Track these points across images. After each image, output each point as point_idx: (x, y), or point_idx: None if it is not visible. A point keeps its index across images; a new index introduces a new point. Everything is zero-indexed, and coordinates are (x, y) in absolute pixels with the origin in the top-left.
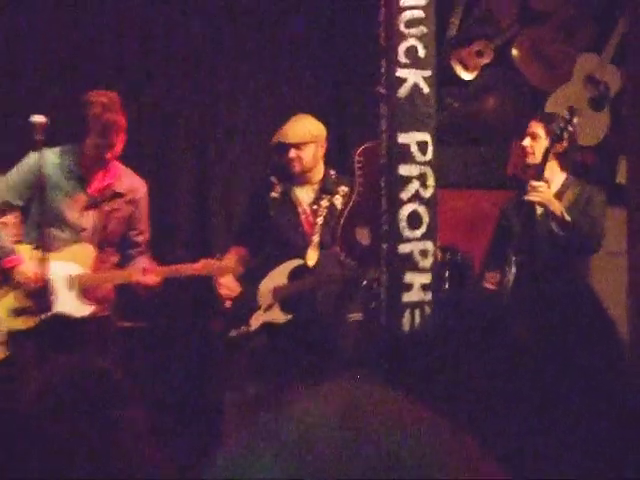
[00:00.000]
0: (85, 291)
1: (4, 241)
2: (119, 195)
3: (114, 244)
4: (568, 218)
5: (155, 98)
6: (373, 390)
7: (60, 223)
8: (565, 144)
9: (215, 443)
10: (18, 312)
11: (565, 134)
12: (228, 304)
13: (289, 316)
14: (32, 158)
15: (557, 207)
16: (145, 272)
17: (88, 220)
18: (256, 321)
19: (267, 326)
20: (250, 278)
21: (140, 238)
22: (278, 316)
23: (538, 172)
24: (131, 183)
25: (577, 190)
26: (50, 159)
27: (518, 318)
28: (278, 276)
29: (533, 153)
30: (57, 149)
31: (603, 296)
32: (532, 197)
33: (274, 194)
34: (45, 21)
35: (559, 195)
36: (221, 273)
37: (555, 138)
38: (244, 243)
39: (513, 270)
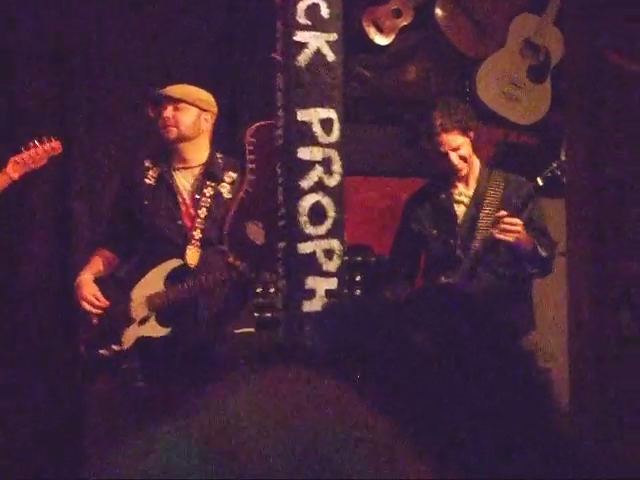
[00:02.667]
0: None
1: None
2: None
3: None
4: (544, 253)
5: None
6: (305, 382)
7: None
8: (474, 131)
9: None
10: None
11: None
12: (95, 320)
13: (167, 329)
14: None
15: (530, 243)
16: None
17: None
18: (129, 337)
19: (142, 342)
20: (121, 286)
21: None
22: (155, 330)
23: (464, 178)
24: None
25: (500, 185)
26: None
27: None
28: (153, 281)
29: (465, 163)
30: None
31: (543, 298)
32: (506, 237)
33: (148, 180)
34: None
35: (480, 191)
36: (28, 169)
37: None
38: (111, 243)
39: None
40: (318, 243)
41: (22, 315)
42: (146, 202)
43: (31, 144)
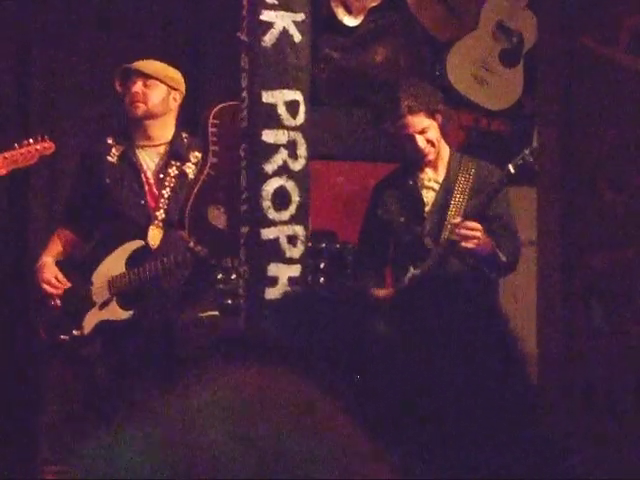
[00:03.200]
0: None
1: None
2: None
3: None
4: (504, 258)
5: None
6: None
7: None
8: (441, 114)
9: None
10: None
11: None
12: (55, 303)
13: (129, 313)
14: None
15: (490, 247)
16: None
17: None
18: (90, 321)
19: (104, 326)
20: (83, 270)
21: None
22: (117, 313)
23: (435, 162)
24: None
25: (470, 171)
26: None
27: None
28: (114, 263)
29: (433, 147)
30: None
31: (513, 289)
32: (466, 243)
33: (110, 158)
34: None
35: (450, 179)
36: (16, 165)
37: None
38: (71, 223)
39: (405, 283)
40: (282, 229)
41: None
42: (108, 180)
43: (25, 142)
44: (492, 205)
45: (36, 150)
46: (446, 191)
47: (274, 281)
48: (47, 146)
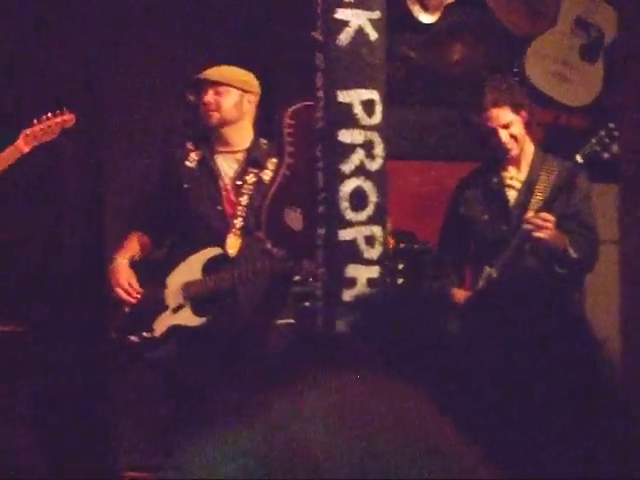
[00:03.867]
0: None
1: None
2: None
3: None
4: (575, 254)
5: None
6: (378, 387)
7: None
8: (527, 111)
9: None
10: None
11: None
12: (127, 307)
13: (203, 319)
14: None
15: (561, 242)
16: None
17: None
18: (162, 325)
19: (176, 331)
20: (156, 272)
21: None
22: (189, 319)
23: (504, 153)
24: None
25: (553, 170)
26: None
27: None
28: (190, 269)
29: (516, 143)
30: None
31: (593, 290)
32: (540, 234)
33: (189, 163)
34: None
35: (532, 177)
36: (39, 141)
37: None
38: (146, 225)
39: (481, 284)
40: (359, 229)
41: (57, 298)
42: (186, 185)
43: (44, 117)
44: (571, 201)
45: (56, 124)
46: (528, 189)
47: (352, 283)
48: (67, 118)
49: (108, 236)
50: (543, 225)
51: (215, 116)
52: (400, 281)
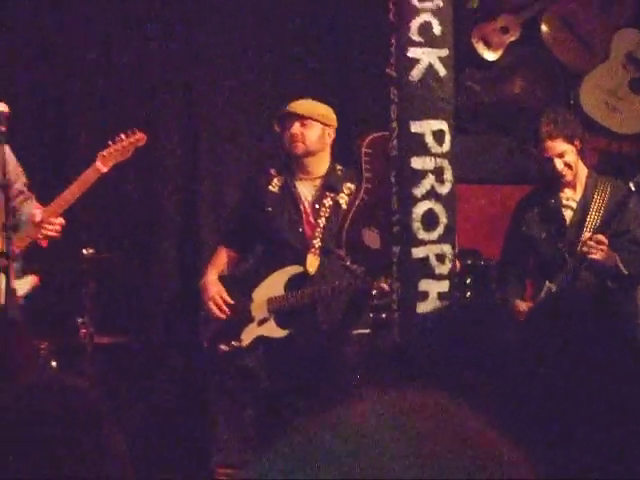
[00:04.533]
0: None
1: None
2: (3, 183)
3: (9, 212)
4: (625, 271)
5: (147, 86)
6: (443, 406)
7: None
8: (580, 139)
9: (203, 468)
10: None
11: None
12: (218, 317)
13: (286, 331)
14: None
15: (613, 260)
16: (39, 225)
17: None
18: (249, 335)
19: (261, 341)
20: (242, 286)
21: (19, 185)
22: (274, 331)
23: (561, 177)
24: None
25: (606, 191)
26: None
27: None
28: (274, 285)
29: (570, 170)
30: None
31: None
32: (595, 256)
33: (272, 188)
34: None
35: (587, 197)
36: (116, 161)
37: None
38: (233, 242)
39: (541, 297)
40: (431, 248)
41: (153, 310)
42: (269, 208)
43: (117, 138)
44: (623, 220)
45: (130, 143)
46: (583, 209)
47: (425, 296)
48: (139, 137)
49: (201, 254)
50: (597, 247)
51: (300, 147)
52: (467, 294)
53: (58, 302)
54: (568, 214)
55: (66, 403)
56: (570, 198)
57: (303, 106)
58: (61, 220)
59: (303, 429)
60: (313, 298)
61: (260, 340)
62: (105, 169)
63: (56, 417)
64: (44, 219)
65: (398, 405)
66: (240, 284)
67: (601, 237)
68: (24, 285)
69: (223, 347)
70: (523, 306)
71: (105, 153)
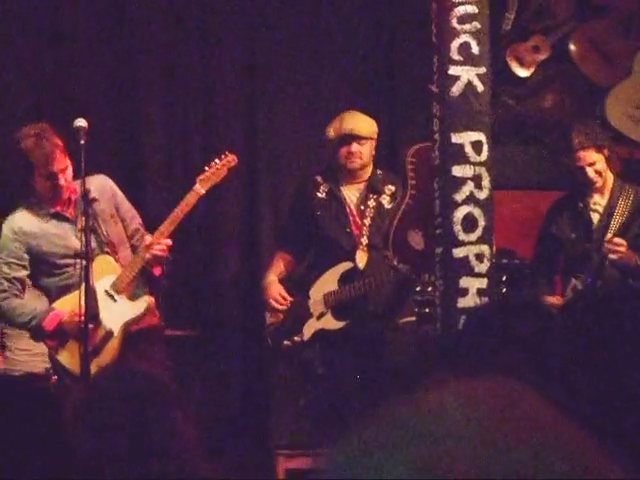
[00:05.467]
0: (128, 292)
1: (31, 307)
2: (94, 200)
3: (124, 242)
4: None
5: (206, 95)
6: (523, 395)
7: (69, 260)
8: (608, 148)
9: (263, 454)
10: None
11: None
12: (279, 315)
13: (342, 323)
14: (8, 234)
15: (633, 259)
16: (149, 246)
17: (87, 239)
18: (309, 330)
19: (321, 334)
20: (299, 285)
21: (134, 224)
22: (332, 324)
23: (601, 189)
24: (91, 183)
25: (630, 197)
26: (22, 221)
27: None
28: (328, 281)
29: (600, 177)
30: (18, 213)
31: None
32: (614, 256)
33: (320, 194)
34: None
35: (612, 203)
36: (212, 183)
37: None
38: (289, 246)
39: (568, 293)
40: (470, 248)
41: (219, 308)
42: (318, 213)
43: (212, 163)
44: None
45: (223, 166)
46: (609, 213)
47: (465, 292)
48: (230, 159)
49: (262, 257)
50: (616, 249)
51: (358, 162)
52: (503, 290)
53: None
54: (595, 217)
55: (141, 387)
56: (597, 203)
57: (363, 127)
58: (168, 241)
59: (387, 413)
60: (364, 290)
61: (319, 333)
62: (203, 191)
63: (135, 398)
64: (153, 241)
65: (476, 390)
66: (298, 284)
67: (619, 240)
68: (141, 305)
69: (287, 343)
70: (553, 300)
71: (202, 177)
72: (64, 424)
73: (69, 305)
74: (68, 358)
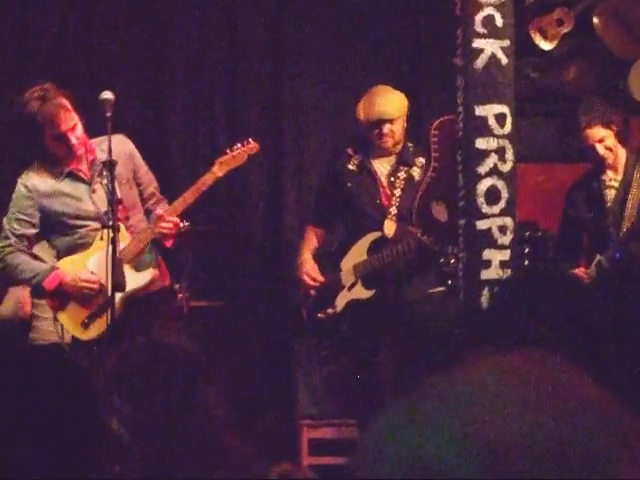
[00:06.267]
0: (134, 262)
1: (34, 265)
2: (114, 162)
3: (137, 206)
4: None
5: (230, 70)
6: (560, 367)
7: (80, 221)
8: (618, 123)
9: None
10: (86, 324)
11: None
12: (313, 293)
13: (372, 292)
14: (22, 189)
15: None
16: (159, 219)
17: (102, 202)
18: (341, 301)
19: (352, 304)
20: (332, 258)
21: (151, 189)
22: (362, 293)
23: (614, 165)
24: (113, 145)
25: None
26: (36, 179)
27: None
28: (358, 252)
29: (611, 152)
30: (32, 171)
31: None
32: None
33: (351, 166)
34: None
35: (628, 177)
36: (230, 167)
37: None
38: (320, 220)
39: (592, 269)
40: (493, 220)
41: (244, 280)
42: (349, 184)
43: (235, 147)
44: None
45: (244, 151)
46: (624, 188)
47: (488, 264)
48: (252, 146)
49: (288, 228)
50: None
51: (391, 142)
52: (526, 263)
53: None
54: (612, 193)
55: (171, 360)
56: (612, 179)
57: (392, 108)
58: (176, 219)
59: (433, 386)
60: (392, 258)
61: (352, 303)
62: (220, 174)
63: (165, 371)
64: (164, 216)
65: (510, 363)
66: (331, 258)
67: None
68: (143, 277)
69: (321, 315)
70: (578, 272)
71: (222, 160)
72: (96, 394)
73: (72, 265)
74: (66, 319)
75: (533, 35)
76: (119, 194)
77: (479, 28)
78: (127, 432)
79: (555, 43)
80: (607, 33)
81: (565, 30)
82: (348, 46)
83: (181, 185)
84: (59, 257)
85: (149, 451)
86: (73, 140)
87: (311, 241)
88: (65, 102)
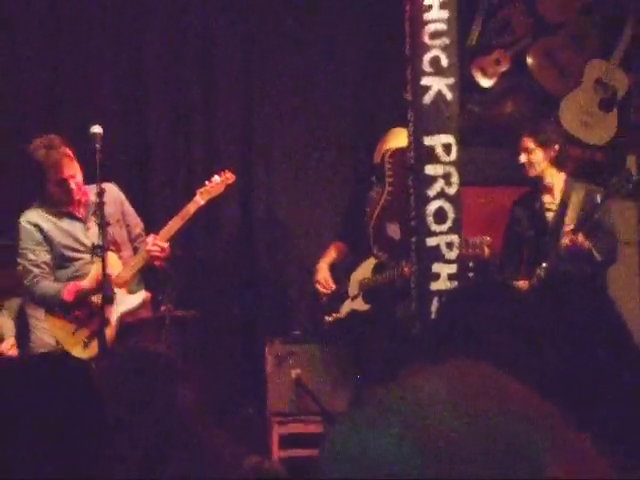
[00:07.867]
0: (128, 286)
1: (55, 285)
2: (103, 190)
3: (126, 244)
4: (599, 257)
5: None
6: (487, 373)
7: (77, 254)
8: (557, 149)
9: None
10: (86, 343)
11: (623, 189)
12: (324, 297)
13: (368, 306)
14: (26, 226)
15: (588, 248)
16: (149, 243)
17: (95, 238)
18: (345, 309)
19: (353, 313)
20: (345, 270)
21: (138, 230)
22: (361, 305)
23: (540, 182)
24: (105, 192)
25: (581, 193)
26: (36, 217)
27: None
28: (365, 269)
29: (532, 166)
30: (33, 210)
31: (617, 281)
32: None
33: (372, 193)
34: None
35: (564, 200)
36: (211, 196)
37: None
38: (344, 237)
39: (534, 281)
40: (441, 237)
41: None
42: (367, 209)
43: (212, 178)
44: (596, 215)
45: (222, 181)
46: (562, 210)
47: (437, 277)
48: (229, 177)
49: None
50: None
51: None
52: (470, 275)
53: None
54: (550, 215)
55: (148, 363)
56: (551, 202)
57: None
58: (164, 244)
59: (376, 396)
60: (389, 280)
61: (352, 312)
62: (202, 202)
63: (142, 373)
64: (153, 240)
65: (453, 371)
66: (345, 270)
67: (580, 237)
68: (137, 298)
69: (327, 318)
70: (521, 284)
71: (202, 190)
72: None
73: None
74: (65, 338)
75: (475, 73)
76: (111, 231)
77: (426, 67)
78: (122, 434)
79: (494, 80)
80: (540, 71)
81: (503, 69)
82: (316, 86)
83: (163, 217)
84: None
85: (141, 450)
86: (72, 185)
87: (330, 254)
88: (69, 152)
